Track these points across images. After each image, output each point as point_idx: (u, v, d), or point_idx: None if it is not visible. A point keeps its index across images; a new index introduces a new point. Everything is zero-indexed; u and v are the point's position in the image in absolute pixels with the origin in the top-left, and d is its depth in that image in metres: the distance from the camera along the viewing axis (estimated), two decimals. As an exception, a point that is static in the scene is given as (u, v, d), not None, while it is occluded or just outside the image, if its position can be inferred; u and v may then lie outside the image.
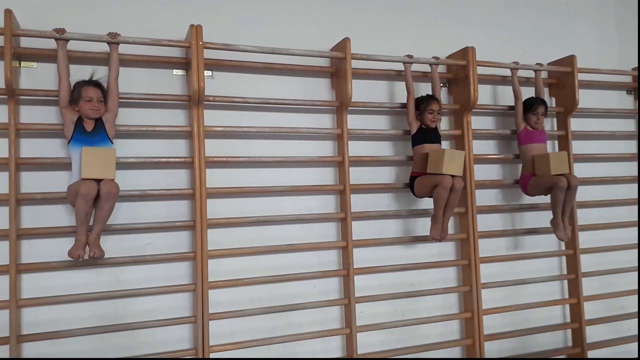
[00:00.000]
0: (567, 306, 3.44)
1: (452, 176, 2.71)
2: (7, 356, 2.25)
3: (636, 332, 3.60)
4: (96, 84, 2.29)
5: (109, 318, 2.48)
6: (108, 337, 2.47)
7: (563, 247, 3.41)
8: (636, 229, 3.69)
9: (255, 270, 2.73)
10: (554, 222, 3.06)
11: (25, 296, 2.36)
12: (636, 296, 3.60)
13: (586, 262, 3.41)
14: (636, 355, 3.57)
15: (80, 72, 2.35)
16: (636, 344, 3.58)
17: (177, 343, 2.59)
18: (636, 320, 3.60)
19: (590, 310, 3.41)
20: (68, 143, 2.28)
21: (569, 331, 3.43)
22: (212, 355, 2.54)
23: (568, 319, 3.44)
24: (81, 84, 2.28)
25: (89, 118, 2.28)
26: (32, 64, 2.43)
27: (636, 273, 3.63)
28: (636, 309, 3.62)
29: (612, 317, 3.52)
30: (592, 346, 3.38)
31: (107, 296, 2.46)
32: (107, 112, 2.32)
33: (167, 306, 2.58)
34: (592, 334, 3.42)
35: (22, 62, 2.41)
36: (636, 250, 3.67)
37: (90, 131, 2.28)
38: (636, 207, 3.74)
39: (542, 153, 3.07)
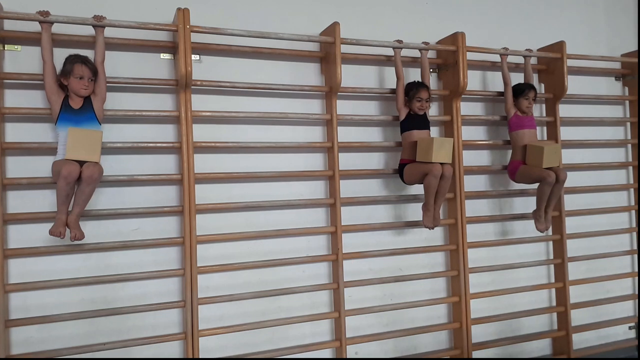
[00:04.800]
0: (553, 290, 3.49)
1: (442, 164, 2.72)
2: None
3: (620, 316, 3.67)
4: (87, 61, 2.26)
5: (97, 303, 2.48)
6: (97, 322, 2.48)
7: (550, 232, 3.45)
8: (622, 214, 3.75)
9: (244, 255, 2.74)
10: (537, 213, 3.10)
11: (13, 281, 2.35)
12: (621, 280, 3.67)
13: (572, 247, 3.46)
14: (622, 338, 3.64)
15: (65, 56, 2.31)
16: (619, 327, 3.66)
17: (167, 327, 2.60)
18: (620, 303, 3.67)
19: (575, 294, 3.46)
20: (55, 124, 2.25)
21: (555, 315, 3.49)
22: (201, 340, 2.56)
23: (554, 303, 3.50)
24: (73, 60, 2.24)
25: (78, 95, 2.26)
26: (16, 47, 2.40)
27: (622, 258, 3.69)
28: (621, 293, 3.69)
29: (597, 300, 3.58)
30: (576, 329, 3.44)
31: (95, 281, 2.46)
32: (94, 95, 2.30)
33: (156, 291, 2.58)
34: (577, 317, 3.48)
35: (5, 45, 2.38)
36: (622, 235, 3.73)
37: (78, 109, 2.26)
38: (623, 192, 3.79)
39: (536, 143, 3.08)
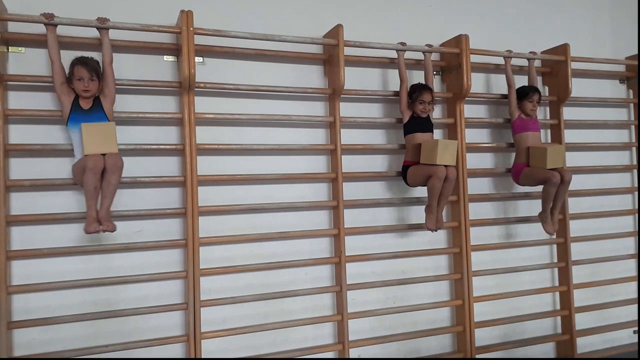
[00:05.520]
0: (557, 294, 3.47)
1: (446, 166, 2.72)
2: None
3: (624, 320, 3.65)
4: (86, 62, 2.26)
5: (100, 305, 2.48)
6: (99, 324, 2.47)
7: (554, 235, 3.43)
8: (627, 217, 3.72)
9: (247, 258, 2.74)
10: (543, 215, 3.08)
11: (16, 283, 2.35)
12: (626, 284, 3.64)
13: (577, 250, 3.44)
14: (627, 342, 3.62)
15: (70, 58, 2.32)
16: (624, 331, 3.63)
17: (169, 330, 2.60)
18: (625, 307, 3.64)
19: (579, 297, 3.44)
20: (66, 124, 2.26)
21: (559, 318, 3.47)
22: (204, 342, 2.56)
23: (558, 307, 3.48)
24: (74, 63, 2.26)
25: (82, 97, 2.26)
26: (20, 49, 2.40)
27: (626, 261, 3.67)
28: (625, 297, 3.66)
29: (601, 304, 3.56)
30: (581, 333, 3.42)
31: (98, 283, 2.46)
32: (103, 96, 2.30)
33: (159, 293, 2.58)
34: (581, 321, 3.46)
35: (10, 47, 2.38)
36: (626, 239, 3.70)
37: (88, 109, 2.26)
38: (628, 196, 3.77)
39: (539, 145, 3.06)
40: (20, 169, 2.38)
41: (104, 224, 2.21)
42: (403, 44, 2.92)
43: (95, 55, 2.36)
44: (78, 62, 2.25)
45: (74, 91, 2.26)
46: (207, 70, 2.70)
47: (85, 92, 2.24)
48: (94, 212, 2.19)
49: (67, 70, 2.28)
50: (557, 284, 3.47)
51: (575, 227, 3.46)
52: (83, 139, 2.15)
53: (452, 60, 3.12)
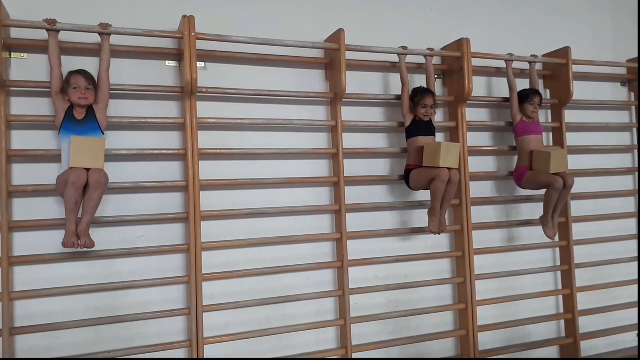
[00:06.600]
0: (561, 297, 3.46)
1: (449, 169, 2.71)
2: (0, 348, 2.25)
3: (628, 323, 3.63)
4: (84, 72, 2.27)
5: (102, 310, 2.47)
6: (102, 330, 2.47)
7: (557, 239, 3.42)
8: (630, 220, 3.71)
9: (249, 262, 2.73)
10: (544, 219, 3.08)
11: (18, 289, 2.35)
12: (629, 287, 3.62)
13: (579, 254, 3.43)
14: (630, 345, 3.60)
15: (71, 63, 2.34)
16: (628, 334, 3.61)
17: (172, 335, 2.59)
18: (628, 310, 3.63)
19: (583, 301, 3.43)
20: (58, 132, 2.26)
21: (562, 322, 3.46)
22: (206, 347, 2.55)
23: (561, 310, 3.46)
24: (69, 73, 2.27)
25: (78, 106, 2.26)
26: (22, 55, 2.41)
27: (629, 264, 3.65)
28: (629, 300, 3.64)
29: (605, 307, 3.55)
30: (584, 336, 3.40)
31: (100, 288, 2.45)
32: (97, 103, 2.30)
33: (161, 298, 2.58)
34: (585, 324, 3.44)
35: (12, 53, 2.39)
36: (629, 242, 3.69)
37: (81, 120, 2.26)
38: (630, 198, 3.76)
39: (542, 149, 3.06)
40: (23, 174, 2.38)
41: (82, 239, 2.20)
42: (404, 47, 2.92)
43: (95, 61, 2.36)
44: (74, 72, 2.26)
45: (69, 100, 2.26)
46: (209, 75, 2.70)
47: (82, 99, 2.23)
48: (73, 226, 2.18)
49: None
50: (560, 287, 3.46)
51: (578, 230, 3.45)
52: (70, 151, 2.15)
53: (453, 63, 3.12)
